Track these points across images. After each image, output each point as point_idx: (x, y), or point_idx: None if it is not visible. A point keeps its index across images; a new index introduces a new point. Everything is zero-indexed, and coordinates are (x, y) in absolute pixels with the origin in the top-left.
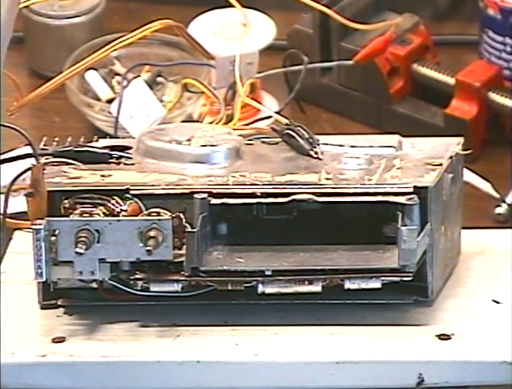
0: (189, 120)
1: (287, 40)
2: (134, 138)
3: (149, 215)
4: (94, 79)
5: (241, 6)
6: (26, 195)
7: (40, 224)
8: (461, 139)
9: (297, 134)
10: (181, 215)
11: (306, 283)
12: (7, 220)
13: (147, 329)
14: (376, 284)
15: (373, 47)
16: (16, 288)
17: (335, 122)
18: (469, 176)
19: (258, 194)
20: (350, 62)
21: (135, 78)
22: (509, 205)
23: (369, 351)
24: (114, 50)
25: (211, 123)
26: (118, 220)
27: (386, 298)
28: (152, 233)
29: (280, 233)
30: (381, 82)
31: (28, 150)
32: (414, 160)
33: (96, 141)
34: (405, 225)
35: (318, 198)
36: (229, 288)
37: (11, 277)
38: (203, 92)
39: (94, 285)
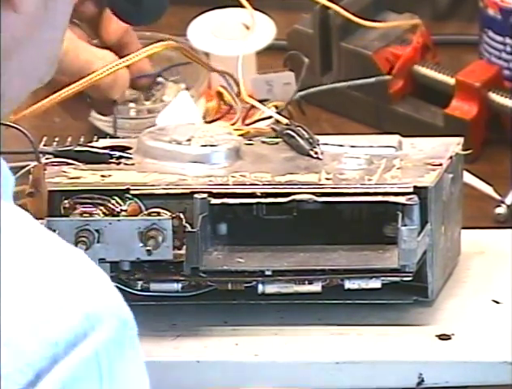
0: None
1: (287, 40)
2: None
3: (149, 215)
4: None
5: (240, 7)
6: (26, 195)
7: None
8: (461, 139)
9: (297, 134)
10: (181, 215)
11: (306, 283)
12: None
13: (146, 329)
14: (376, 284)
15: (405, 58)
16: None
17: (335, 122)
18: (469, 178)
19: (258, 194)
20: (388, 77)
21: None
22: (508, 206)
23: (369, 351)
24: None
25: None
26: (118, 220)
27: (386, 298)
28: (152, 233)
29: (280, 233)
30: (381, 82)
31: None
32: (414, 160)
33: (96, 141)
34: (405, 225)
35: (318, 198)
36: (229, 288)
37: None
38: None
39: None
